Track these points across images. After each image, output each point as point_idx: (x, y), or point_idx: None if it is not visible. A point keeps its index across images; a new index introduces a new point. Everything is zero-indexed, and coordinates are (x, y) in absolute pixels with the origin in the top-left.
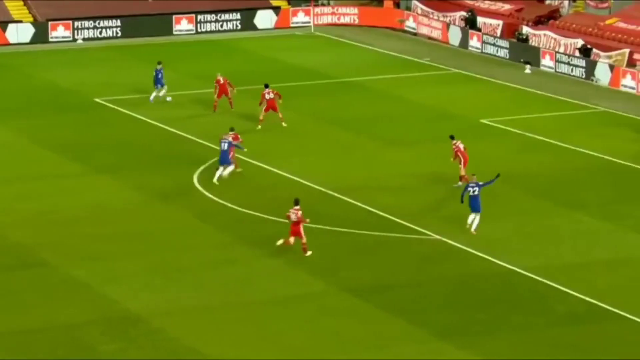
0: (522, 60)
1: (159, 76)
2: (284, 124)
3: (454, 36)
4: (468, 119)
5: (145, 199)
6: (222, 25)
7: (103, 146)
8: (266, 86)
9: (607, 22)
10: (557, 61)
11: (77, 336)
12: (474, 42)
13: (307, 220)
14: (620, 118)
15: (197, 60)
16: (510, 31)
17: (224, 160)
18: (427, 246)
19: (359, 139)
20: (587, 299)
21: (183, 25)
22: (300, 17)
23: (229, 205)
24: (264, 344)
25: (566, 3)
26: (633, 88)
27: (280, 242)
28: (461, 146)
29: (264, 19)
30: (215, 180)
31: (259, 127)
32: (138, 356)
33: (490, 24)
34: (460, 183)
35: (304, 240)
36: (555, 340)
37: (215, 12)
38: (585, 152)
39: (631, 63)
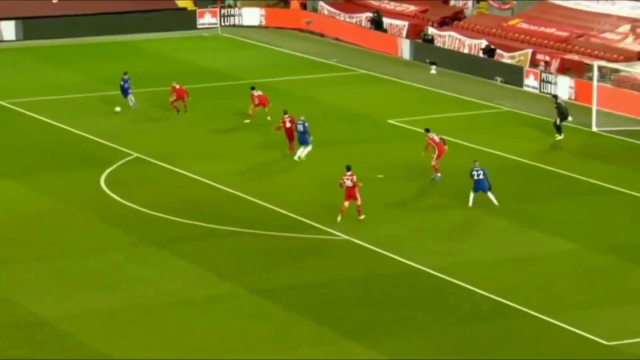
0: (427, 60)
1: (126, 86)
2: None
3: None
4: (375, 119)
5: (51, 202)
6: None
7: (7, 149)
8: (252, 88)
9: (510, 22)
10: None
11: None
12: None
13: (360, 184)
14: (524, 118)
15: (102, 61)
16: (416, 32)
17: (303, 141)
18: (334, 246)
19: (266, 140)
20: (491, 296)
21: None
22: (207, 19)
23: (136, 207)
24: (173, 346)
25: (470, 4)
26: (536, 88)
27: (339, 217)
28: (436, 138)
29: (171, 20)
30: (296, 157)
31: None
32: None
33: (396, 25)
34: (439, 175)
35: (359, 202)
36: (459, 338)
37: (121, 13)
38: (490, 152)
39: (534, 63)
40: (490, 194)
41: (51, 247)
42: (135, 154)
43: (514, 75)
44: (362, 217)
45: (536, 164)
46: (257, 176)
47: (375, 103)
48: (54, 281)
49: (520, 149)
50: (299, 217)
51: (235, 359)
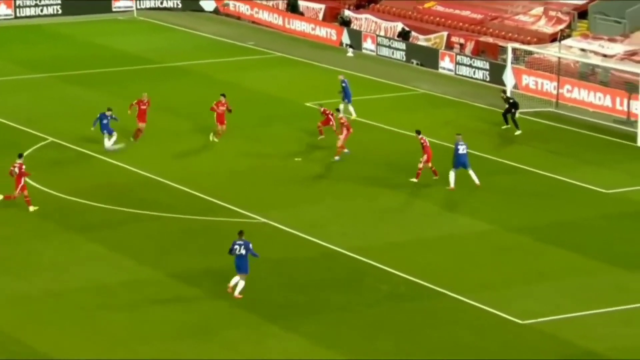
0: (345, 43)
1: (105, 122)
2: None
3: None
4: (293, 102)
5: None
6: (42, 10)
7: None
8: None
9: (426, 5)
10: (378, 44)
11: None
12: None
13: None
14: (439, 100)
15: (17, 45)
16: (332, 15)
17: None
18: (252, 229)
19: (184, 124)
20: (409, 277)
21: (2, 10)
22: (122, 2)
23: (53, 192)
24: (89, 332)
25: None
26: (451, 70)
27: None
28: (427, 141)
29: (86, 4)
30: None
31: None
32: None
33: (313, 8)
34: (415, 180)
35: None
36: (376, 319)
37: None
38: (406, 134)
39: (449, 46)
40: (471, 171)
41: None
42: (51, 139)
43: (430, 57)
44: None
45: (451, 146)
46: (176, 160)
47: (292, 86)
48: None
49: (436, 130)
50: (217, 201)
51: (154, 345)
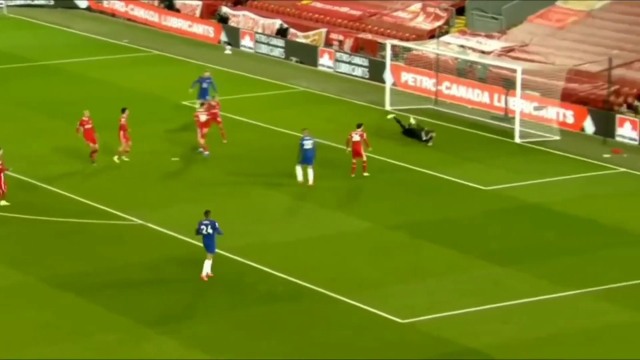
0: (222, 41)
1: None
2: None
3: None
4: (168, 100)
5: None
6: None
7: None
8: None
9: (304, 2)
10: (256, 41)
11: None
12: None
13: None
14: (319, 97)
15: None
16: (210, 12)
17: None
18: (128, 231)
19: (57, 123)
20: (287, 277)
21: None
22: None
23: None
24: None
25: None
26: (331, 67)
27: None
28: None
29: None
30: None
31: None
32: None
33: (190, 5)
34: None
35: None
36: (254, 320)
37: None
38: (286, 132)
39: (328, 43)
40: (310, 170)
41: None
42: None
43: (309, 55)
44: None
45: (331, 144)
46: (49, 161)
47: (168, 84)
48: None
49: (316, 128)
50: (91, 203)
51: (28, 351)
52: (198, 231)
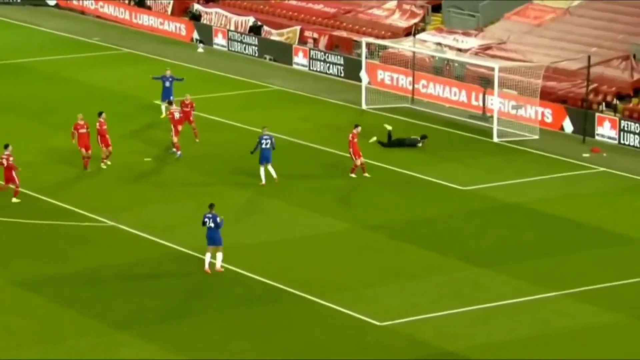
0: (195, 39)
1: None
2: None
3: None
4: (140, 99)
5: None
6: None
7: None
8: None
9: None
10: (229, 39)
11: None
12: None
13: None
14: (293, 96)
15: None
16: (181, 9)
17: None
18: (99, 233)
19: (29, 123)
20: (264, 279)
21: None
22: None
23: None
24: None
25: None
26: (305, 66)
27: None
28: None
29: None
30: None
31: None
32: None
33: (161, 2)
34: (353, 175)
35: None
36: (232, 323)
37: None
38: (259, 132)
39: (302, 40)
40: (270, 167)
41: None
42: None
43: (283, 53)
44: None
45: (307, 143)
46: (18, 163)
47: (140, 83)
48: None
49: (290, 128)
50: (62, 204)
51: None
52: (203, 223)
